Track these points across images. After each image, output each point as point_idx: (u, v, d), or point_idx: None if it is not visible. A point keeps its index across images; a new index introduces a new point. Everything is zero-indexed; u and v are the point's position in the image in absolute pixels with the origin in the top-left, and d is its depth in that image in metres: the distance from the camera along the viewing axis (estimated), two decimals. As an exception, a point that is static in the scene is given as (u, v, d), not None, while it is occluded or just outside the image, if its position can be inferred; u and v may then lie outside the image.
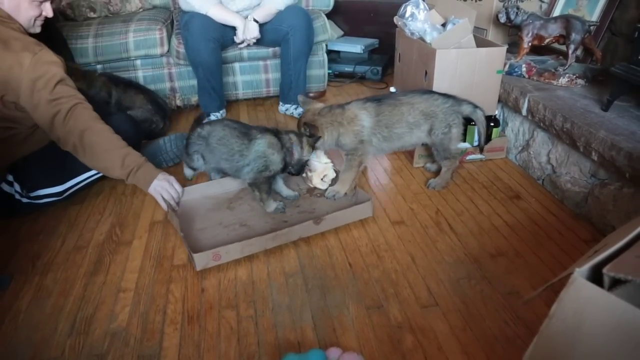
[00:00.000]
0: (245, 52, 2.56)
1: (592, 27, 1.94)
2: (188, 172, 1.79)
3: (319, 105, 1.74)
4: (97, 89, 2.17)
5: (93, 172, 1.72)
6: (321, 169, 1.77)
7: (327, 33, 2.69)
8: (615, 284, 0.62)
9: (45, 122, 1.51)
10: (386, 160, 2.08)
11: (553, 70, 1.97)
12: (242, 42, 2.42)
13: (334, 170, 1.81)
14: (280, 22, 2.38)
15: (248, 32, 2.36)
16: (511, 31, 2.29)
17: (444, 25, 2.06)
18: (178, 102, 2.67)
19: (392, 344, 1.14)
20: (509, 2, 2.19)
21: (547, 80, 1.98)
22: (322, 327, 1.19)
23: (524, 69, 2.05)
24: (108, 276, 1.41)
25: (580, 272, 0.64)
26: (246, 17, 2.37)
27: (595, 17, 2.02)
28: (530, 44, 2.00)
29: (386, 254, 1.47)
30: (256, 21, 2.36)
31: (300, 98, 1.83)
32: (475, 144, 2.00)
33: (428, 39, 2.00)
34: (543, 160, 1.84)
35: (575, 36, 1.87)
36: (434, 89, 1.86)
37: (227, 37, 2.40)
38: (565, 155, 1.71)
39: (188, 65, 2.50)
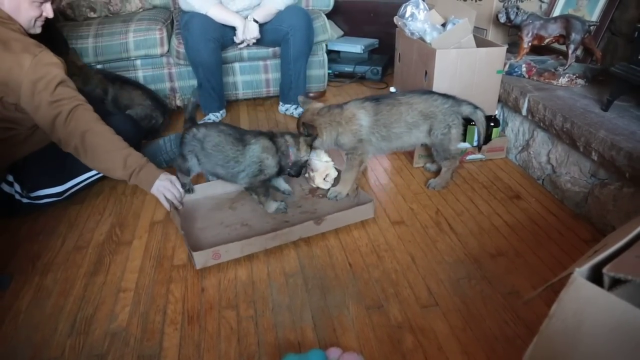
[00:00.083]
0: (245, 52, 2.56)
1: (592, 27, 1.94)
2: (184, 178, 1.68)
3: (318, 105, 1.74)
4: (92, 86, 2.17)
5: (93, 172, 1.72)
6: (323, 168, 1.77)
7: (327, 33, 2.69)
8: (615, 283, 0.62)
9: (46, 123, 1.51)
10: (386, 160, 2.08)
11: (553, 70, 1.97)
12: (242, 42, 2.42)
13: (336, 169, 1.81)
14: (280, 22, 2.38)
15: (248, 32, 2.36)
16: (511, 31, 2.29)
17: (444, 25, 2.06)
18: (178, 102, 2.67)
19: (392, 344, 1.14)
20: (509, 2, 2.19)
21: (547, 80, 1.98)
22: (322, 327, 1.19)
23: (524, 69, 2.05)
24: (108, 276, 1.41)
25: (580, 272, 0.64)
26: (246, 17, 2.38)
27: (595, 17, 2.02)
28: (530, 44, 2.00)
29: (386, 254, 1.47)
30: (256, 21, 2.36)
31: (300, 98, 1.83)
32: (475, 144, 2.00)
33: (428, 39, 2.00)
34: (543, 160, 1.84)
35: (575, 36, 1.87)
36: (434, 89, 1.86)
37: (227, 37, 2.40)
38: (565, 155, 1.71)
39: (188, 65, 2.50)
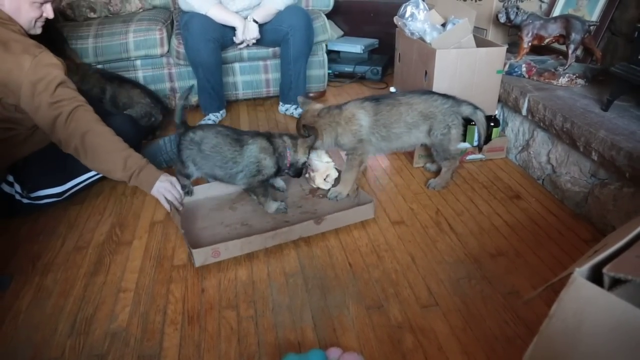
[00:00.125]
0: (245, 52, 2.56)
1: (592, 27, 1.94)
2: (183, 180, 1.68)
3: (317, 106, 1.74)
4: (90, 85, 2.17)
5: (93, 172, 1.72)
6: (323, 168, 1.77)
7: (327, 33, 2.69)
8: (615, 283, 0.62)
9: (47, 124, 1.51)
10: (386, 160, 2.08)
11: (553, 70, 1.97)
12: (242, 42, 2.42)
13: (336, 169, 1.81)
14: (280, 22, 2.38)
15: (247, 32, 2.36)
16: (511, 31, 2.29)
17: (443, 25, 2.06)
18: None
19: (392, 344, 1.14)
20: (509, 2, 2.19)
21: (547, 80, 1.98)
22: (322, 327, 1.20)
23: (524, 69, 2.05)
24: (108, 276, 1.41)
25: (580, 272, 0.64)
26: (246, 18, 2.38)
27: (595, 17, 2.02)
28: (530, 43, 2.00)
29: (386, 254, 1.47)
30: (256, 22, 2.36)
31: (299, 99, 1.83)
32: (475, 144, 2.00)
33: (428, 39, 2.00)
34: (543, 160, 1.84)
35: (575, 36, 1.87)
36: (434, 89, 1.86)
37: (227, 37, 2.40)
38: (565, 155, 1.71)
39: (188, 65, 2.50)
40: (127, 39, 2.47)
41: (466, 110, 1.75)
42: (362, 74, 3.10)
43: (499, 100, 2.03)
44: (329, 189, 1.77)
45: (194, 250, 1.38)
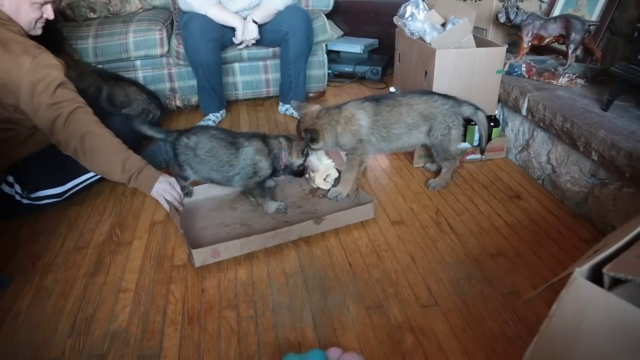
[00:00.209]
0: (245, 53, 2.56)
1: (591, 27, 1.94)
2: (182, 182, 1.69)
3: (315, 107, 1.73)
4: (87, 84, 2.17)
5: (93, 173, 1.72)
6: (323, 169, 1.77)
7: (327, 33, 2.69)
8: (615, 283, 0.62)
9: (46, 125, 1.51)
10: (386, 160, 2.08)
11: (553, 70, 1.97)
12: (241, 43, 2.42)
13: (336, 170, 1.81)
14: (280, 22, 2.38)
15: (247, 33, 2.36)
16: (511, 31, 2.29)
17: (443, 25, 2.06)
18: (178, 103, 2.67)
19: (392, 344, 1.14)
20: (509, 2, 2.19)
21: (547, 80, 1.98)
22: (322, 327, 1.19)
23: (523, 69, 2.05)
24: (108, 276, 1.41)
25: (580, 272, 0.64)
26: (245, 18, 2.37)
27: (595, 16, 2.02)
28: (530, 43, 2.00)
29: (386, 254, 1.47)
30: (255, 22, 2.35)
31: (293, 104, 1.83)
32: (476, 143, 2.00)
33: (428, 39, 2.00)
34: (543, 160, 1.84)
35: (575, 36, 1.87)
36: (434, 89, 1.86)
37: (227, 37, 2.40)
38: (565, 155, 1.71)
39: (188, 65, 2.50)
40: (127, 39, 2.47)
41: (467, 111, 1.75)
42: (362, 74, 3.10)
43: (499, 100, 2.03)
44: (329, 189, 1.77)
45: (193, 251, 1.38)
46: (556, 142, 1.76)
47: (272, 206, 1.65)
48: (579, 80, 1.92)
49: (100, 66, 2.49)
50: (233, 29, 2.38)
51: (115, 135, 1.59)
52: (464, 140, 1.97)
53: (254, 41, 2.42)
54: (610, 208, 1.50)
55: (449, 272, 1.37)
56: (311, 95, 2.81)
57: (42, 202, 1.68)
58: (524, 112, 1.88)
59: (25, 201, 1.65)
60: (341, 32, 3.40)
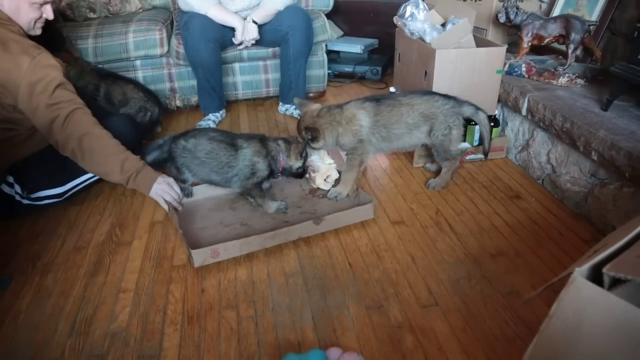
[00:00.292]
0: (245, 53, 2.56)
1: (591, 27, 1.94)
2: (182, 184, 1.69)
3: (315, 106, 1.73)
4: (85, 82, 2.17)
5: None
6: (324, 169, 1.77)
7: (327, 33, 2.69)
8: (615, 283, 0.62)
9: (44, 126, 1.50)
10: (386, 160, 2.08)
11: (553, 70, 1.97)
12: (241, 43, 2.42)
13: (337, 170, 1.81)
14: (280, 22, 2.38)
15: (247, 33, 2.36)
16: (511, 31, 2.29)
17: (443, 25, 2.06)
18: (178, 103, 2.67)
19: (392, 344, 1.14)
20: (509, 2, 2.19)
21: (546, 80, 1.98)
22: (322, 327, 1.19)
23: (523, 69, 2.05)
24: (108, 276, 1.41)
25: (580, 272, 0.64)
26: (245, 18, 2.37)
27: (594, 16, 2.02)
28: (530, 43, 2.00)
29: (386, 254, 1.47)
30: (255, 22, 2.35)
31: (296, 101, 1.83)
32: (476, 143, 2.00)
33: (428, 39, 2.00)
34: (543, 160, 1.84)
35: (574, 36, 1.87)
36: (434, 89, 1.86)
37: (227, 37, 2.40)
38: (565, 155, 1.71)
39: (188, 65, 2.50)
40: (127, 39, 2.47)
41: (468, 111, 1.75)
42: (362, 74, 3.10)
43: (499, 100, 2.03)
44: (329, 190, 1.77)
45: (192, 251, 1.38)
46: (556, 142, 1.76)
47: (272, 206, 1.65)
48: (579, 80, 1.92)
49: (100, 66, 2.49)
50: (233, 29, 2.38)
51: (115, 136, 1.59)
52: (464, 140, 1.97)
53: (253, 41, 2.42)
54: (610, 208, 1.50)
55: (449, 272, 1.37)
56: (311, 95, 2.80)
57: (42, 203, 1.68)
58: (523, 112, 1.88)
59: (25, 201, 1.65)
60: (341, 32, 3.40)
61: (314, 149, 1.72)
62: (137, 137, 1.87)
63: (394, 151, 2.00)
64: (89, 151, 1.53)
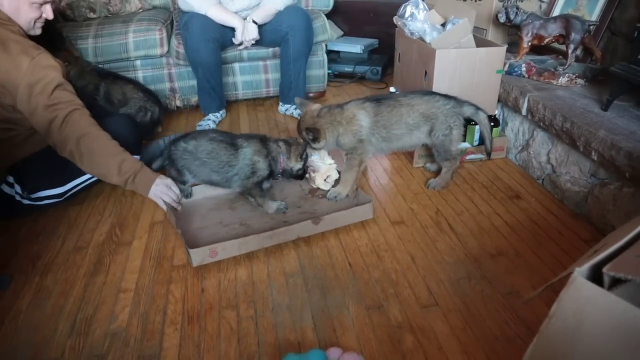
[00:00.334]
0: (245, 53, 2.56)
1: (591, 27, 1.94)
2: (182, 186, 1.70)
3: (315, 106, 1.73)
4: (85, 82, 2.17)
5: (92, 174, 1.72)
6: (324, 169, 1.77)
7: (327, 33, 2.69)
8: (615, 283, 0.62)
9: (42, 127, 1.50)
10: (386, 160, 2.08)
11: (553, 70, 1.97)
12: (241, 43, 2.42)
13: (337, 171, 1.80)
14: (280, 22, 2.38)
15: (247, 33, 2.36)
16: (511, 31, 2.29)
17: (443, 25, 2.06)
18: (178, 103, 2.67)
19: (392, 344, 1.14)
20: (509, 2, 2.19)
21: (546, 80, 1.98)
22: (322, 327, 1.19)
23: (523, 69, 2.05)
24: (108, 276, 1.41)
25: (580, 272, 0.64)
26: (245, 18, 2.37)
27: (594, 16, 2.02)
28: (529, 43, 2.00)
29: (386, 254, 1.47)
30: (255, 22, 2.35)
31: (297, 100, 1.83)
32: (476, 143, 2.00)
33: (428, 39, 2.00)
34: (543, 160, 1.84)
35: (575, 36, 1.87)
36: (434, 89, 1.86)
37: (227, 37, 2.40)
38: (565, 154, 1.71)
39: (188, 65, 2.50)
40: (127, 39, 2.47)
41: (468, 111, 1.75)
42: (362, 74, 3.10)
43: (499, 100, 2.03)
44: (329, 190, 1.77)
45: (191, 250, 1.38)
46: (556, 142, 1.76)
47: (272, 206, 1.65)
48: (579, 80, 1.92)
49: (99, 66, 2.49)
50: (233, 29, 2.38)
51: (114, 136, 1.59)
52: (464, 140, 1.97)
53: (253, 42, 2.42)
54: (610, 208, 1.50)
55: (449, 272, 1.37)
56: (311, 95, 2.80)
57: (42, 203, 1.68)
58: (523, 112, 1.88)
59: (25, 201, 1.65)
60: (341, 32, 3.39)
61: (314, 149, 1.72)
62: (136, 138, 1.87)
63: (393, 151, 2.00)
64: (86, 152, 1.53)
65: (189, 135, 1.66)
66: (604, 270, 0.62)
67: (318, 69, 2.75)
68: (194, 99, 2.65)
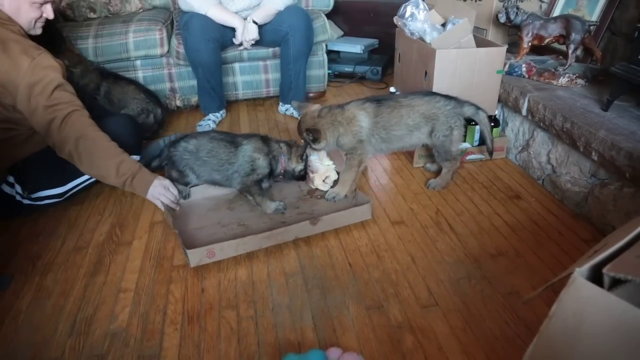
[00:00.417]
0: (245, 53, 2.56)
1: (592, 27, 1.94)
2: (181, 187, 1.69)
3: (315, 106, 1.73)
4: (87, 80, 2.17)
5: (91, 175, 1.72)
6: (323, 170, 1.77)
7: (327, 33, 2.69)
8: (615, 283, 0.62)
9: (42, 127, 1.50)
10: (386, 160, 2.08)
11: (553, 70, 1.97)
12: (241, 44, 2.42)
13: (336, 172, 1.80)
14: (280, 22, 2.38)
15: (247, 33, 2.36)
16: (511, 31, 2.29)
17: (443, 25, 2.06)
18: (178, 103, 2.67)
19: (392, 344, 1.14)
20: (509, 2, 2.19)
21: (547, 80, 1.98)
22: (322, 327, 1.19)
23: (523, 69, 2.05)
24: (108, 276, 1.41)
25: (580, 272, 0.64)
26: (245, 18, 2.37)
27: (595, 17, 2.02)
28: (530, 43, 2.00)
29: (386, 254, 1.47)
30: (255, 22, 2.35)
31: (294, 104, 1.83)
32: (476, 144, 2.00)
33: (428, 39, 2.00)
34: (543, 160, 1.84)
35: (575, 36, 1.87)
36: (434, 89, 1.86)
37: (227, 37, 2.40)
38: (565, 155, 1.71)
39: (188, 65, 2.50)
40: (127, 39, 2.47)
41: (468, 111, 1.75)
42: (362, 74, 3.10)
43: (499, 100, 2.03)
44: (327, 190, 1.76)
45: (188, 251, 1.38)
46: (556, 142, 1.76)
47: (271, 206, 1.65)
48: (579, 81, 1.92)
49: (102, 66, 2.49)
50: (233, 29, 2.38)
51: (114, 137, 1.58)
52: (465, 141, 1.97)
53: (253, 42, 2.42)
54: (610, 208, 1.50)
55: (449, 272, 1.37)
56: (311, 95, 2.81)
57: (42, 203, 1.68)
58: (524, 112, 1.88)
59: (25, 201, 1.65)
60: (341, 32, 3.40)
61: (315, 150, 1.72)
62: (136, 138, 1.87)
63: (394, 151, 2.00)
64: (85, 153, 1.53)
65: (188, 135, 1.67)
66: (604, 270, 0.62)
67: (318, 69, 2.75)
68: (194, 99, 2.65)
